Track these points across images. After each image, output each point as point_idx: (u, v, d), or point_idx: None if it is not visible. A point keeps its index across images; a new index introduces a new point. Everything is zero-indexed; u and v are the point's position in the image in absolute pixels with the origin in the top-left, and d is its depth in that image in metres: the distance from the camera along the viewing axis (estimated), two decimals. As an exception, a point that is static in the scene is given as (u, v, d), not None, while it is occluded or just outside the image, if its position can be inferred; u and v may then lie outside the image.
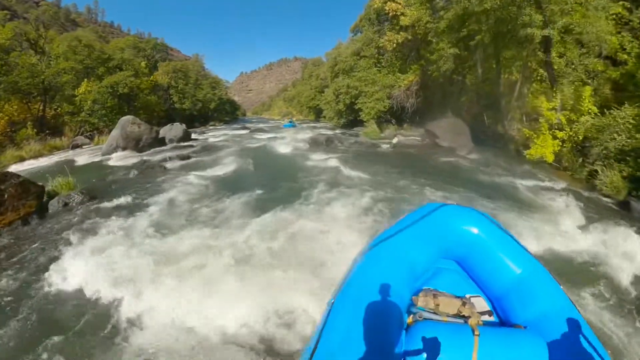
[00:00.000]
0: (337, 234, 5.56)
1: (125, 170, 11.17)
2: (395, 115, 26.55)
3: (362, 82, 26.48)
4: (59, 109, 27.63)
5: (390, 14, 25.41)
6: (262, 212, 6.82)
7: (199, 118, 51.77)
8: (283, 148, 15.69)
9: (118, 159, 15.08)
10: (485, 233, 2.99)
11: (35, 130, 21.79)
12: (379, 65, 27.58)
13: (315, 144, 16.51)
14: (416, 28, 22.97)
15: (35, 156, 17.86)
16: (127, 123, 18.51)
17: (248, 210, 7.08)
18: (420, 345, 2.10)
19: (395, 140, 16.88)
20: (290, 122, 49.11)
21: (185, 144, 19.18)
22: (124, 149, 17.49)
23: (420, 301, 2.64)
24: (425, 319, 2.44)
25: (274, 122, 57.43)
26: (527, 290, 2.67)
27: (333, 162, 11.93)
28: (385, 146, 16.98)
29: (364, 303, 2.29)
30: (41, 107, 25.40)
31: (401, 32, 24.58)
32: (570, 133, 11.91)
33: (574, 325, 2.36)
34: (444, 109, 23.65)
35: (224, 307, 3.78)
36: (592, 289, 4.26)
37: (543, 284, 2.70)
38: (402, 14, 23.57)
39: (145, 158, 13.73)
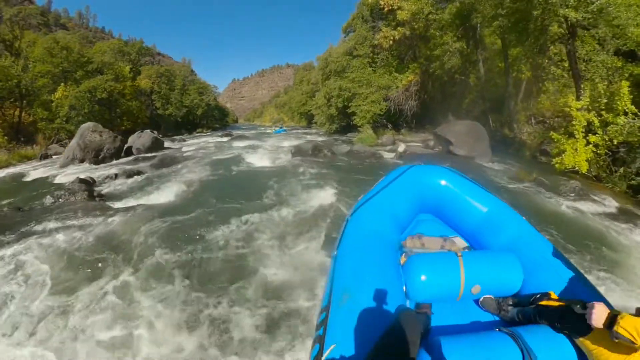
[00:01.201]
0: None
1: (53, 192, 8.42)
2: (392, 119, 24.42)
3: (355, 83, 24.26)
4: (42, 114, 26.01)
5: (386, 9, 23.30)
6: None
7: (185, 125, 49.84)
8: (260, 160, 13.08)
9: (68, 175, 12.61)
10: (452, 184, 3.30)
11: (6, 138, 20.28)
12: (373, 65, 25.34)
13: (300, 153, 13.49)
14: (415, 23, 20.94)
15: (0, 167, 15.93)
16: (87, 131, 16.12)
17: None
18: (415, 273, 2.42)
19: (401, 149, 14.01)
20: (281, 128, 47.33)
21: (152, 154, 16.77)
22: (81, 161, 15.11)
23: (408, 243, 3.05)
24: (415, 253, 2.74)
25: (264, 129, 54.86)
26: (495, 223, 3.02)
27: (321, 185, 8.58)
28: (388, 156, 13.93)
29: (362, 250, 2.58)
30: (17, 113, 24.08)
31: (398, 28, 22.46)
32: (605, 137, 9.88)
33: (538, 243, 2.77)
34: (446, 112, 22.19)
35: None
36: None
37: (508, 216, 3.05)
38: (399, 8, 21.43)
39: (97, 173, 11.25)
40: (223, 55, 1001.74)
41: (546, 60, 15.59)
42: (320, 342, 2.03)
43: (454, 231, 3.36)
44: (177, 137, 32.17)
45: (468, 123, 14.25)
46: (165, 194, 7.95)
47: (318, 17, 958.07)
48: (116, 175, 9.74)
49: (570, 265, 2.51)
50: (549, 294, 2.16)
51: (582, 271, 2.52)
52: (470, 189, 3.32)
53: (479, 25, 16.97)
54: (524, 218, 3.05)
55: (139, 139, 18.15)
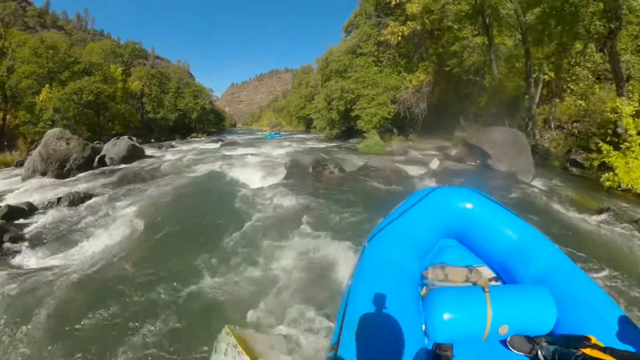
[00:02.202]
0: None
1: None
2: (398, 124, 22.20)
3: (359, 84, 21.94)
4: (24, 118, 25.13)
5: (393, 3, 21.17)
6: None
7: (179, 129, 48.22)
8: (246, 178, 10.02)
9: (20, 193, 10.41)
10: (479, 208, 3.06)
11: None
12: (379, 64, 23.07)
13: (298, 170, 10.00)
14: (427, 15, 18.83)
15: None
16: (51, 138, 13.85)
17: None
18: (437, 309, 2.19)
19: (434, 165, 10.73)
20: (278, 133, 45.34)
21: (126, 165, 14.51)
22: (42, 173, 12.80)
23: (430, 274, 2.72)
24: (437, 287, 2.51)
25: (261, 134, 52.85)
26: (525, 252, 2.73)
27: (328, 241, 5.20)
28: (415, 173, 10.39)
29: (379, 280, 2.36)
30: (0, 116, 23.33)
31: (408, 22, 20.30)
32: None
33: (574, 276, 2.48)
34: (457, 115, 20.23)
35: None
36: None
37: (540, 245, 2.77)
38: (409, 0, 19.32)
39: (46, 195, 8.96)
40: (222, 60, 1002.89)
41: (573, 60, 14.01)
42: None
43: (480, 259, 3.07)
44: (166, 143, 29.88)
45: (507, 131, 11.88)
46: (100, 242, 5.53)
47: (317, 23, 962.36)
48: (59, 200, 7.37)
49: (611, 304, 2.27)
50: (589, 338, 1.91)
51: (624, 312, 2.23)
52: (499, 213, 3.06)
53: (489, 20, 15.73)
54: (558, 247, 2.77)
55: (114, 147, 15.85)
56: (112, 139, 16.83)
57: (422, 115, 20.64)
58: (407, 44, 22.02)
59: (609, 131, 10.30)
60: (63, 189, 9.70)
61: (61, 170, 13.10)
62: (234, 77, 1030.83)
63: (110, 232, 5.84)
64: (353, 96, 21.85)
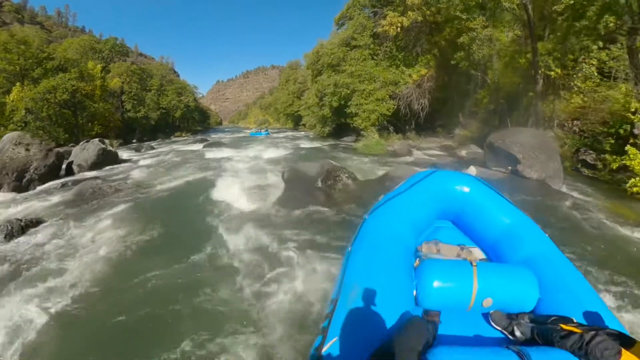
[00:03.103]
0: None
1: None
2: (396, 121, 20.77)
3: (355, 78, 20.29)
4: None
5: (392, -9, 19.72)
6: None
7: (163, 128, 46.52)
8: (231, 194, 7.97)
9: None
10: (474, 192, 3.16)
11: None
12: (375, 57, 21.50)
13: (299, 185, 7.57)
14: (428, 6, 17.44)
15: None
16: (8, 144, 12.06)
17: None
18: (427, 278, 2.31)
19: (473, 171, 8.59)
20: (265, 130, 43.66)
21: (95, 172, 12.77)
22: (-4, 185, 11.08)
23: (424, 249, 2.93)
24: (429, 257, 2.69)
25: (247, 132, 50.81)
26: (515, 236, 2.86)
27: None
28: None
29: (376, 250, 2.52)
30: None
31: (408, 13, 18.80)
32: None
33: (557, 261, 2.63)
34: (457, 112, 19.62)
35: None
36: None
37: (529, 230, 2.91)
38: (408, -11, 17.88)
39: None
40: (208, 57, 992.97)
41: (581, 57, 13.18)
42: (323, 334, 2.09)
43: (472, 241, 3.20)
44: (146, 144, 28.03)
45: (534, 132, 10.33)
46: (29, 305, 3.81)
47: (304, 19, 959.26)
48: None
49: (588, 288, 2.43)
50: (571, 319, 2.01)
51: (600, 296, 2.42)
52: (493, 199, 3.17)
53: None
54: (546, 234, 2.92)
55: (82, 152, 14.03)
56: (82, 143, 14.99)
57: (424, 112, 19.20)
58: (405, 36, 20.51)
59: (621, 131, 9.98)
60: (13, 209, 7.90)
61: (19, 182, 11.34)
62: (220, 74, 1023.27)
63: (47, 288, 4.18)
64: (348, 91, 20.19)
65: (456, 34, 17.56)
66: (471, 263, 2.40)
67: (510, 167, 8.80)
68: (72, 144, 15.25)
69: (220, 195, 8.07)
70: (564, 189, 8.36)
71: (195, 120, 63.11)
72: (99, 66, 36.85)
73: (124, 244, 5.35)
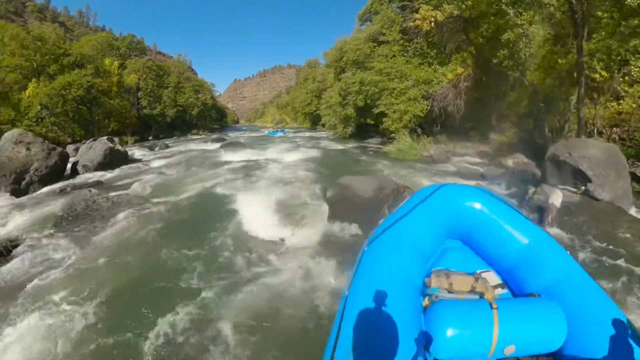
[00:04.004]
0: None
1: None
2: (424, 123, 19.17)
3: (384, 75, 18.73)
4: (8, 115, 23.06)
5: (424, -17, 18.15)
6: None
7: (179, 126, 46.38)
8: (260, 221, 5.97)
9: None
10: (487, 208, 2.82)
11: None
12: (405, 54, 19.96)
13: (348, 210, 5.64)
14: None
15: None
16: (7, 143, 10.98)
17: None
18: (440, 325, 2.03)
19: (558, 201, 6.45)
20: (282, 130, 42.92)
21: (100, 174, 11.55)
22: (-7, 188, 10.00)
23: (433, 282, 2.50)
24: (440, 299, 2.33)
25: (264, 131, 49.68)
26: (536, 259, 2.55)
27: None
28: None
29: (378, 291, 2.16)
30: None
31: (444, 6, 17.24)
32: None
33: (586, 289, 2.31)
34: (489, 115, 18.25)
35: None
36: None
37: (551, 252, 2.59)
38: (445, -21, 16.37)
39: None
40: (225, 56, 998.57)
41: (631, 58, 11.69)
42: None
43: (486, 264, 2.84)
44: (161, 142, 26.76)
45: (599, 144, 8.64)
46: None
47: (321, 18, 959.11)
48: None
49: (623, 320, 2.06)
50: None
51: (637, 329, 2.04)
52: (509, 215, 2.78)
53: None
54: (570, 254, 2.58)
55: (89, 151, 12.86)
56: (89, 141, 13.85)
57: (459, 114, 17.62)
58: (439, 32, 18.93)
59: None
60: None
61: (17, 185, 10.28)
62: (237, 73, 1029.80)
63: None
64: (376, 90, 18.70)
65: (494, 30, 16.06)
66: (491, 305, 2.09)
67: (582, 187, 7.21)
68: (91, 140, 14.40)
69: (243, 218, 6.35)
70: (632, 211, 6.86)
71: (213, 119, 62.92)
72: (115, 63, 36.65)
73: (104, 289, 4.03)
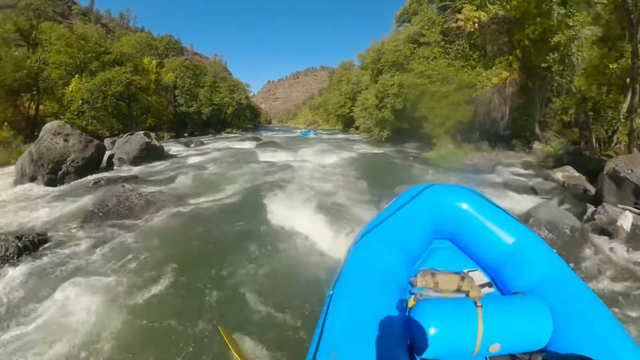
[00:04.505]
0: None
1: None
2: (461, 129, 18.24)
3: (424, 78, 18.05)
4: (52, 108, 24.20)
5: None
6: None
7: (215, 124, 47.32)
8: (309, 229, 5.40)
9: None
10: (474, 208, 2.79)
11: (12, 132, 18.05)
12: (446, 56, 19.15)
13: None
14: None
15: None
16: (47, 134, 11.09)
17: None
18: (424, 324, 1.94)
19: (628, 224, 5.50)
20: (314, 130, 42.79)
21: (136, 169, 11.56)
22: (31, 179, 9.97)
23: (419, 282, 2.43)
24: (425, 298, 2.26)
25: (296, 132, 49.62)
26: (522, 258, 2.51)
27: None
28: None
29: (362, 290, 2.11)
30: (33, 106, 22.02)
31: (489, 5, 16.44)
32: None
33: (573, 286, 2.25)
34: (533, 122, 17.44)
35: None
36: None
37: (538, 250, 2.54)
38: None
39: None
40: (259, 58, 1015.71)
41: None
42: None
43: (474, 263, 2.76)
44: (196, 139, 27.01)
45: None
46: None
47: (354, 19, 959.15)
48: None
49: (609, 317, 2.04)
50: None
51: (624, 328, 2.00)
52: (496, 215, 2.76)
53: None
54: (557, 253, 2.51)
55: (125, 144, 12.86)
56: (125, 135, 13.90)
57: (504, 121, 16.68)
58: (481, 34, 18.08)
59: None
60: (29, 214, 6.52)
61: (54, 174, 10.31)
62: (271, 75, 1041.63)
63: None
64: (417, 92, 17.99)
65: (541, 32, 15.31)
66: (475, 303, 1.98)
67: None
68: (128, 134, 14.72)
69: (289, 226, 5.68)
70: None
71: (247, 118, 63.78)
72: (154, 62, 37.94)
73: (130, 295, 3.68)
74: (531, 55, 16.44)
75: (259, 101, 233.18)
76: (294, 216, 5.99)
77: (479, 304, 1.99)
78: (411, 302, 2.22)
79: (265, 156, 15.09)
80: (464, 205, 2.80)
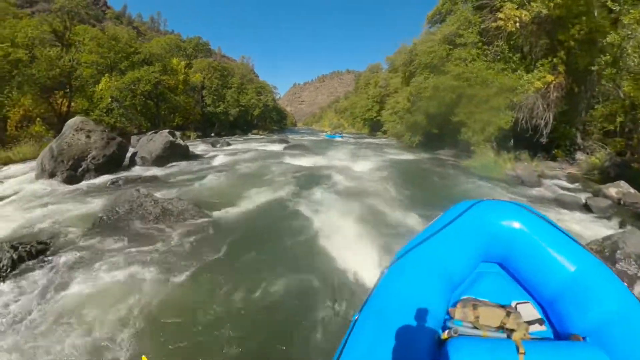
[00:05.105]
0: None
1: None
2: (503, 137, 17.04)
3: (462, 80, 16.96)
4: (82, 105, 24.95)
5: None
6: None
7: (241, 125, 47.73)
8: (347, 257, 4.44)
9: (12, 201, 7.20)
10: (530, 228, 2.29)
11: (44, 127, 18.96)
12: (485, 58, 18.03)
13: None
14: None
15: (24, 159, 13.22)
16: (69, 129, 10.78)
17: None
18: None
19: None
20: (339, 134, 44.83)
21: (158, 169, 11.05)
22: (51, 175, 9.68)
23: (458, 313, 2.03)
24: (460, 334, 1.86)
25: (322, 135, 49.13)
26: (584, 291, 2.01)
27: None
28: None
29: (391, 318, 1.85)
30: (65, 103, 22.65)
31: (532, 4, 15.34)
32: None
33: None
34: (575, 130, 16.51)
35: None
36: None
37: (604, 283, 2.01)
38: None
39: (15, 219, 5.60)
40: (285, 61, 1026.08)
41: None
42: None
43: (526, 293, 2.28)
44: (223, 140, 26.80)
45: None
46: None
47: (381, 23, 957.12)
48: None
49: None
50: None
51: None
52: (555, 237, 2.24)
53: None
54: (628, 287, 1.94)
55: (148, 143, 12.42)
56: (149, 133, 13.49)
57: (547, 128, 15.48)
58: (521, 34, 16.96)
59: None
60: (39, 211, 6.04)
61: (74, 171, 9.97)
62: (296, 78, 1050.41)
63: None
64: (453, 96, 16.99)
65: (587, 31, 14.31)
66: (517, 348, 1.58)
67: None
68: (152, 132, 14.64)
69: (323, 244, 4.94)
70: None
71: (273, 120, 64.08)
72: (182, 62, 38.64)
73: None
74: (577, 57, 15.31)
75: (285, 104, 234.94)
76: (329, 232, 5.29)
77: (521, 350, 1.64)
78: (444, 336, 1.91)
79: (295, 160, 14.32)
80: (517, 225, 2.35)
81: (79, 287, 3.60)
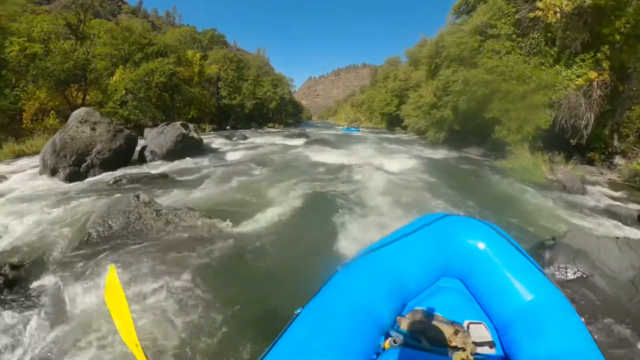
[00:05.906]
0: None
1: None
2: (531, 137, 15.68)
3: (495, 74, 15.69)
4: (97, 98, 24.80)
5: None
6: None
7: (257, 118, 47.47)
8: None
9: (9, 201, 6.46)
10: (493, 250, 2.20)
11: (58, 120, 18.67)
12: (519, 51, 16.71)
13: None
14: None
15: (37, 152, 11.98)
16: (73, 121, 10.04)
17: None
18: None
19: None
20: (355, 127, 44.90)
21: (167, 165, 10.26)
22: (52, 171, 8.97)
23: (404, 323, 1.92)
24: (402, 344, 1.74)
25: (338, 128, 48.56)
26: (538, 319, 1.89)
27: None
28: None
29: (332, 316, 1.69)
30: (80, 96, 22.70)
31: (574, -9, 14.09)
32: None
33: None
34: (612, 132, 15.65)
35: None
36: None
37: (559, 313, 1.90)
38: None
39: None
40: (300, 54, 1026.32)
41: None
42: None
43: (483, 313, 2.13)
44: (239, 133, 26.14)
45: None
46: None
47: (398, 16, 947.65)
48: None
49: None
50: None
51: None
52: (517, 261, 2.13)
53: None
54: (582, 320, 1.82)
55: (159, 136, 11.61)
56: (161, 125, 12.68)
57: (588, 129, 14.21)
58: (561, 26, 15.60)
59: None
60: (23, 225, 5.06)
61: (77, 167, 9.22)
62: (312, 71, 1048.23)
63: None
64: (486, 91, 15.77)
65: (634, 24, 13.26)
66: None
67: None
68: (163, 124, 14.06)
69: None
70: None
71: (289, 113, 63.76)
72: (197, 54, 38.27)
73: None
74: (622, 52, 13.99)
75: (300, 97, 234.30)
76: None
77: None
78: (385, 345, 1.72)
79: (318, 157, 13.16)
80: (481, 245, 2.23)
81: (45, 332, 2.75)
